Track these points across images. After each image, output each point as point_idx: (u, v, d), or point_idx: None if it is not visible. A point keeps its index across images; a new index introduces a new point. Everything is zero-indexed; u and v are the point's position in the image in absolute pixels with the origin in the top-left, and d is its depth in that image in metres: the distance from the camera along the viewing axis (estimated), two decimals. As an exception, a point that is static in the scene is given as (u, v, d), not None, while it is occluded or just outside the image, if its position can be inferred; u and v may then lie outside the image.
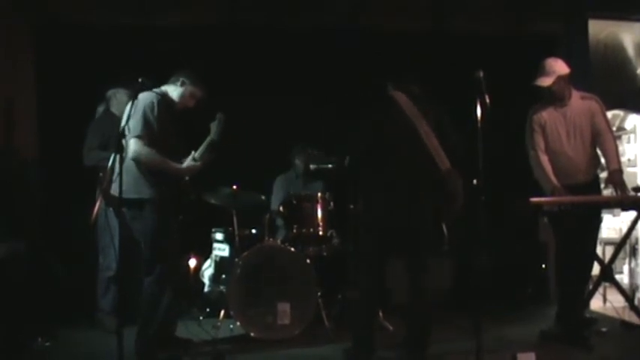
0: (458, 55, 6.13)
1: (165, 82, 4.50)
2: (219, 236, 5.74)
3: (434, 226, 4.33)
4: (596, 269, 4.88)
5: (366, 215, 4.35)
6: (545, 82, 4.63)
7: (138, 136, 4.15)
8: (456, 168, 4.15)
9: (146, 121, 4.18)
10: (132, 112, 4.15)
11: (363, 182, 4.35)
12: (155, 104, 4.22)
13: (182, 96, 4.47)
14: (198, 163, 4.47)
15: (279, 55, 6.27)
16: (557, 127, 4.72)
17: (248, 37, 6.26)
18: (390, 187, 4.15)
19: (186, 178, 4.48)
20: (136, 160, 4.17)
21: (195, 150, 4.50)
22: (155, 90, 4.38)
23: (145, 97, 4.23)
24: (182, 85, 4.46)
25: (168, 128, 4.29)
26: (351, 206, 5.17)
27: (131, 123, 4.13)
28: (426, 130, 4.13)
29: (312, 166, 5.78)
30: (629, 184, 4.84)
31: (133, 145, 4.15)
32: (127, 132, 4.13)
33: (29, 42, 5.97)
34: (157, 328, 4.23)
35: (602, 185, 5.04)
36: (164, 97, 4.37)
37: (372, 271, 4.25)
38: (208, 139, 4.63)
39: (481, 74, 3.81)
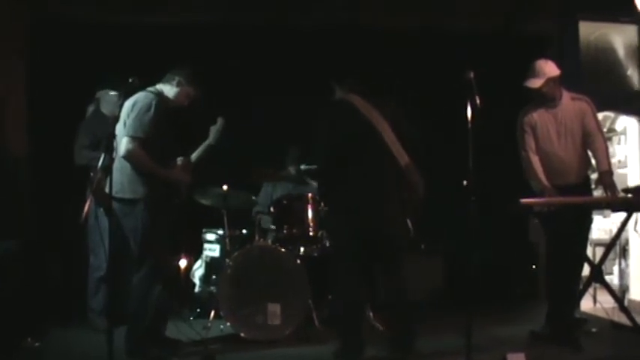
0: (448, 54, 6.14)
1: (159, 80, 4.46)
2: (209, 236, 5.73)
3: (402, 223, 4.39)
4: (586, 270, 4.89)
5: (336, 216, 4.41)
6: (535, 83, 4.64)
7: (131, 137, 4.14)
8: (415, 162, 4.27)
9: (141, 123, 4.16)
10: (129, 111, 4.14)
11: (331, 183, 4.39)
12: (152, 106, 4.20)
13: (177, 96, 4.44)
14: (187, 174, 4.45)
15: (272, 54, 6.27)
16: (548, 128, 4.73)
17: (244, 36, 6.25)
18: (357, 185, 4.21)
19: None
20: (126, 159, 4.15)
21: (192, 152, 4.50)
22: (150, 89, 4.35)
23: (142, 98, 4.22)
24: (178, 85, 4.43)
25: (164, 129, 4.27)
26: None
27: (127, 123, 4.12)
28: (384, 127, 4.24)
29: (302, 167, 5.79)
30: (619, 186, 4.86)
31: (125, 144, 4.14)
32: (117, 132, 4.12)
33: (20, 40, 5.93)
34: (146, 326, 4.22)
35: (593, 186, 5.06)
36: (161, 98, 4.34)
37: (351, 272, 4.26)
38: (207, 142, 4.60)
39: (472, 75, 3.84)
